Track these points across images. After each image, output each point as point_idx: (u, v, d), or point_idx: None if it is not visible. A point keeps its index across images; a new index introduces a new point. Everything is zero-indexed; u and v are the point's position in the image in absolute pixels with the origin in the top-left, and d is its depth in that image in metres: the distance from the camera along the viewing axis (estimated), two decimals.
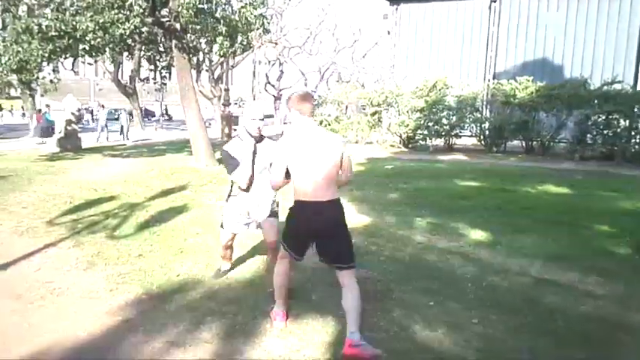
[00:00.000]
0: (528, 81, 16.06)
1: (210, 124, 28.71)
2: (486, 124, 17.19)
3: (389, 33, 22.70)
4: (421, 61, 20.79)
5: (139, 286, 4.22)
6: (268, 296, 3.77)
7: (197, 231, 5.97)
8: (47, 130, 21.10)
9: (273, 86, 31.33)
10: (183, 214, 6.87)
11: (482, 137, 17.39)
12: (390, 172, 11.54)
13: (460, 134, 17.70)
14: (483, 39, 20.03)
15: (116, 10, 10.96)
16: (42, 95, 24.17)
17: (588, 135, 15.04)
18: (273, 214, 4.05)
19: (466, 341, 3.30)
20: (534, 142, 16.24)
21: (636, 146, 14.64)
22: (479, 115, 17.42)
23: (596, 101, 14.77)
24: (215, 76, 25.20)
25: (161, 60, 18.43)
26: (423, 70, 19.70)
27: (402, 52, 21.46)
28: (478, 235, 5.92)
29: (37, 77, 14.34)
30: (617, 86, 15.02)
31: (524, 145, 16.37)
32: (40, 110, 23.86)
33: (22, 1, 13.89)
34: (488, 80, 19.09)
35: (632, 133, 14.92)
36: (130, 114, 20.44)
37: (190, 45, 13.38)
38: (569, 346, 3.24)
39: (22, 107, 23.62)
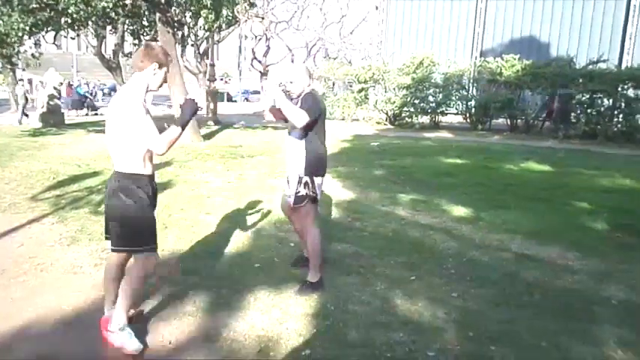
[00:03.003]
0: (515, 59, 16.11)
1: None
2: (472, 102, 17.25)
3: (377, 8, 22.50)
4: (409, 38, 20.69)
5: None
6: (253, 271, 3.80)
7: (181, 207, 5.97)
8: (79, 102, 23.03)
9: (259, 62, 30.98)
10: (167, 190, 6.84)
11: (468, 115, 17.46)
12: (376, 149, 11.58)
13: (446, 112, 17.76)
14: (471, 16, 19.94)
15: None
16: (23, 70, 23.72)
17: (572, 114, 15.17)
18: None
19: (446, 314, 3.37)
20: (519, 120, 16.35)
21: (619, 125, 14.81)
22: (465, 93, 17.46)
23: (580, 80, 14.87)
24: (201, 51, 24.79)
25: (145, 34, 18.11)
26: (411, 46, 19.63)
27: (389, 28, 21.31)
28: (461, 211, 6.00)
29: (19, 51, 14.03)
30: (603, 65, 15.12)
31: (508, 123, 16.48)
32: (70, 84, 24.50)
33: None
34: (475, 58, 19.07)
35: (615, 112, 15.08)
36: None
37: (175, 19, 13.15)
38: (546, 319, 3.33)
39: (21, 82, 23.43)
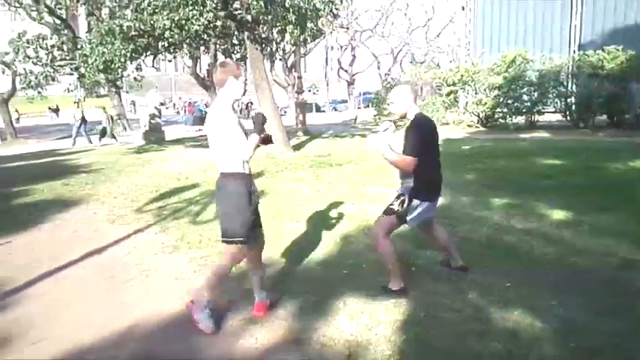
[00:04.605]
0: (617, 50, 14.93)
1: (285, 112, 29.22)
2: (572, 99, 16.21)
3: (463, 9, 21.90)
4: (498, 37, 19.86)
5: None
6: (342, 277, 3.84)
7: (273, 215, 6.14)
8: (200, 119, 24.82)
9: (346, 71, 31.31)
10: (259, 200, 7.08)
11: (567, 113, 16.42)
12: (467, 152, 11.23)
13: (543, 110, 16.79)
14: (566, 8, 18.77)
15: (190, 7, 11.39)
16: (127, 92, 25.81)
17: None
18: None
19: (545, 323, 3.19)
20: (626, 116, 15.11)
21: None
22: (563, 90, 16.44)
23: None
24: (288, 65, 25.53)
25: (235, 52, 18.95)
26: (501, 45, 18.81)
27: (477, 28, 20.60)
28: (560, 215, 5.65)
29: (122, 75, 15.23)
30: None
31: (614, 119, 15.28)
32: (190, 102, 26.41)
33: (104, 4, 14.75)
34: (573, 52, 17.91)
35: None
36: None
37: (262, 36, 13.66)
38: None
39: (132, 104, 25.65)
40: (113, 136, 19.24)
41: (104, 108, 20.25)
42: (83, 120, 19.38)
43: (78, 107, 20.93)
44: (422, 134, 3.58)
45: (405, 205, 3.62)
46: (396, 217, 3.67)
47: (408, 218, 3.66)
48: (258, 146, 3.21)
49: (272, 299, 3.58)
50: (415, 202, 3.62)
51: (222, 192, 3.27)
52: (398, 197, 3.69)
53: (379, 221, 3.79)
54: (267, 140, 3.36)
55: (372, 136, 3.66)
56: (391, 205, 3.70)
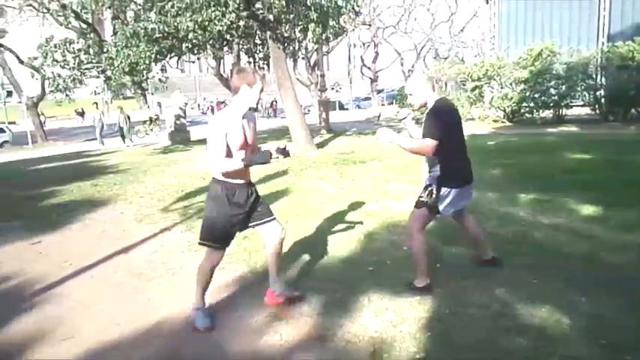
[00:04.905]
0: None
1: (308, 110, 29.27)
2: (601, 92, 15.82)
3: (487, 2, 21.59)
4: (524, 30, 19.50)
5: (244, 265, 4.48)
6: (367, 274, 3.83)
7: (297, 213, 6.16)
8: None
9: (369, 68, 31.20)
10: (284, 198, 7.12)
11: (596, 106, 16.05)
12: (493, 147, 11.07)
13: (571, 104, 16.44)
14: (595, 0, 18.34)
15: (213, 8, 11.49)
16: (152, 93, 26.16)
17: None
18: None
19: (573, 320, 3.12)
20: None
21: None
22: (592, 83, 16.06)
23: None
24: (311, 63, 25.56)
25: (258, 52, 19.04)
26: (527, 39, 18.46)
27: (502, 21, 20.27)
28: (589, 210, 5.52)
29: (147, 77, 15.44)
30: None
31: None
32: (220, 102, 27.15)
33: (129, 7, 14.98)
34: (602, 44, 17.48)
35: None
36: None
37: (285, 35, 13.70)
38: None
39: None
40: (125, 137, 19.32)
41: (121, 108, 20.35)
42: (102, 122, 19.68)
43: (97, 108, 21.23)
44: (440, 118, 3.47)
45: (433, 196, 3.55)
46: (428, 209, 3.59)
47: (440, 208, 3.58)
48: (233, 170, 3.17)
49: (289, 294, 3.60)
50: (444, 190, 3.53)
51: (207, 195, 3.41)
52: (426, 188, 3.61)
53: (412, 215, 3.73)
54: (285, 153, 3.38)
55: (382, 130, 3.57)
56: (420, 197, 3.64)
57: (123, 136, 19.55)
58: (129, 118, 20.06)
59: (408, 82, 3.74)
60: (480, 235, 4.02)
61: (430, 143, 3.39)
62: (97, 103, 22.09)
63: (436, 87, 3.72)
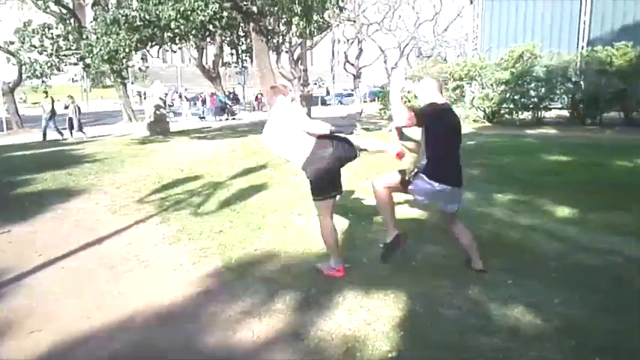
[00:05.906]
0: (627, 47, 14.78)
1: None
2: (579, 95, 16.06)
3: (471, 2, 21.73)
4: (506, 31, 19.69)
5: (219, 259, 4.42)
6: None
7: (274, 208, 6.11)
8: (221, 110, 26.41)
9: (352, 65, 31.13)
10: (262, 192, 7.06)
11: (574, 109, 16.29)
12: (472, 147, 11.14)
13: (550, 106, 16.70)
14: (576, 3, 18.58)
15: None
16: (132, 83, 25.65)
17: None
18: None
19: (546, 321, 3.14)
20: (634, 113, 14.97)
21: None
22: (571, 86, 16.29)
23: None
24: (295, 58, 25.43)
25: (241, 44, 18.89)
26: (509, 40, 18.65)
27: (485, 22, 20.43)
28: (565, 211, 5.59)
29: (127, 66, 15.18)
30: None
31: (622, 116, 15.14)
32: (212, 93, 27.82)
33: None
34: (582, 48, 17.74)
35: None
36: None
37: (268, 28, 13.60)
38: None
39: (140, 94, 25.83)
40: (80, 129, 17.30)
41: (72, 97, 18.05)
42: (53, 112, 17.55)
43: (46, 97, 19.20)
44: (429, 113, 3.67)
45: (412, 173, 3.75)
46: (400, 176, 3.78)
47: (410, 186, 3.75)
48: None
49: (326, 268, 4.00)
50: (421, 175, 3.70)
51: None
52: (412, 170, 3.81)
53: (384, 174, 3.97)
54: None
55: (396, 71, 4.17)
56: (400, 169, 3.88)
57: (71, 128, 17.47)
58: (79, 109, 18.12)
59: (418, 84, 3.95)
60: (470, 248, 3.98)
61: (407, 111, 3.58)
62: (47, 92, 20.15)
63: (444, 92, 3.93)
